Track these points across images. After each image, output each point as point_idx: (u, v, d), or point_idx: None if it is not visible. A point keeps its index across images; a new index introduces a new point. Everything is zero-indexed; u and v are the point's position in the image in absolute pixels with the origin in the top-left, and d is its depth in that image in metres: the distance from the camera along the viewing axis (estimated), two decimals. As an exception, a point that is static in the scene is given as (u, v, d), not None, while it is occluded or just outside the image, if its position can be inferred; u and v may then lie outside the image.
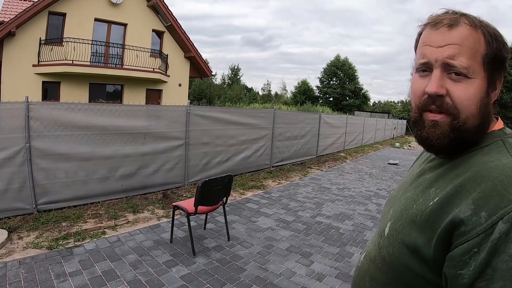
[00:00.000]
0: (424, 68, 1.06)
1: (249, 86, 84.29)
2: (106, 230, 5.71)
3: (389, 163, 16.93)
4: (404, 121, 46.33)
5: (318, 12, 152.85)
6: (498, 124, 1.09)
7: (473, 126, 1.01)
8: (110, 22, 18.24)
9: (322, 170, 13.13)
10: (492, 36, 0.99)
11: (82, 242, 5.16)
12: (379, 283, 1.17)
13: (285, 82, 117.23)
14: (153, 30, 20.29)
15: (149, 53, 19.11)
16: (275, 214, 7.27)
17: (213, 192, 5.16)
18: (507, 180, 0.87)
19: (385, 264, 1.14)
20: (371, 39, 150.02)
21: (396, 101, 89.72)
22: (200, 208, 5.02)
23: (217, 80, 76.63)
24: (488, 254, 0.82)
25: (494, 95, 1.04)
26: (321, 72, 68.19)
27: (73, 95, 15.69)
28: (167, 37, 20.99)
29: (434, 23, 1.05)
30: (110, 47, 17.98)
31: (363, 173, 13.35)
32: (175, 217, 5.71)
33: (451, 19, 1.02)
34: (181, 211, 5.40)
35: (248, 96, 73.51)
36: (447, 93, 1.01)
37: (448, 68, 1.00)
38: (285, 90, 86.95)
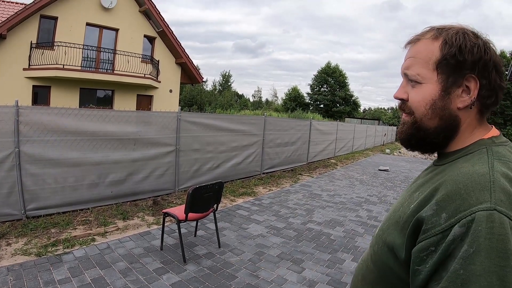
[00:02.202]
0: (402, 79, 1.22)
1: (240, 93, 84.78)
2: (95, 237, 5.67)
3: (379, 169, 16.97)
4: (394, 128, 46.52)
5: (310, 19, 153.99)
6: (491, 132, 1.12)
7: (429, 126, 1.12)
8: (101, 27, 18.23)
9: (312, 177, 13.15)
10: (448, 43, 1.07)
11: (71, 249, 5.12)
12: (368, 282, 1.23)
13: (275, 89, 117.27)
14: (145, 36, 20.31)
15: (140, 59, 19.14)
16: (266, 221, 7.26)
17: (204, 199, 5.14)
18: (471, 185, 0.91)
19: (372, 263, 1.21)
20: (362, 46, 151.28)
21: (386, 108, 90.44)
22: (190, 215, 5.00)
23: (208, 87, 76.88)
24: (442, 254, 0.88)
25: (464, 100, 1.08)
26: (312, 79, 68.72)
27: (64, 99, 15.61)
28: (158, 42, 21.01)
29: (407, 43, 1.21)
30: (101, 52, 17.93)
31: (354, 180, 13.38)
32: (165, 224, 5.68)
33: (416, 37, 1.17)
34: (172, 218, 5.36)
35: (239, 102, 73.68)
36: (408, 97, 1.17)
37: (407, 77, 1.16)
38: (276, 96, 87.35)
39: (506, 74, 17.36)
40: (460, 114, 1.09)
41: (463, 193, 0.91)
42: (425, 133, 1.14)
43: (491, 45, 1.08)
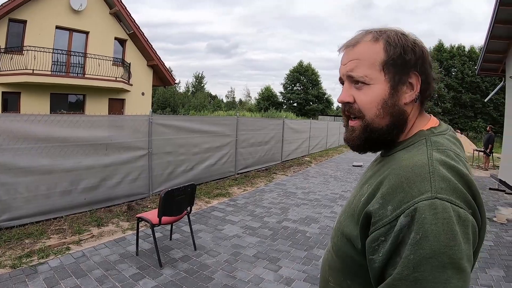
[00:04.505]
0: (341, 82, 1.27)
1: (214, 94, 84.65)
2: (70, 245, 5.61)
3: (353, 165, 17.17)
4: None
5: (283, 19, 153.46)
6: (431, 123, 1.22)
7: (381, 125, 1.17)
8: (71, 30, 17.98)
9: (287, 175, 13.23)
10: (391, 44, 1.14)
11: (46, 259, 5.06)
12: (335, 270, 1.27)
13: (249, 88, 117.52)
14: (116, 38, 20.14)
15: (111, 62, 18.94)
16: (241, 221, 7.30)
17: (177, 202, 5.15)
18: (412, 177, 0.99)
19: (335, 254, 1.26)
20: (335, 45, 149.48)
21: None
22: (164, 218, 5.01)
23: (181, 88, 76.47)
24: (393, 243, 0.95)
25: (410, 95, 1.16)
26: (285, 78, 68.75)
27: (34, 106, 15.27)
28: (129, 45, 20.87)
29: (344, 46, 1.25)
30: (72, 56, 17.68)
31: (328, 176, 13.54)
32: (140, 229, 5.66)
33: (354, 40, 1.21)
34: (146, 223, 5.35)
35: (212, 103, 73.51)
36: (354, 100, 1.20)
37: (351, 79, 1.19)
38: (249, 96, 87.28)
39: (475, 68, 17.65)
40: (406, 108, 1.17)
41: (405, 186, 0.98)
42: (378, 133, 1.18)
43: (421, 43, 1.17)
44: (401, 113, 1.16)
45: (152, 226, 4.98)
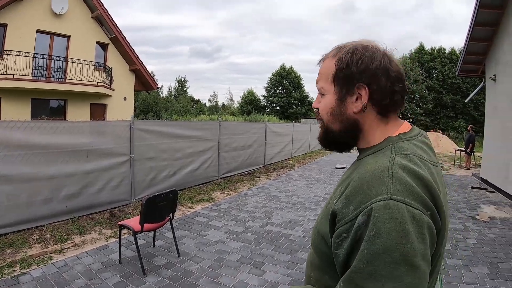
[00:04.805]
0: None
1: (196, 98, 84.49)
2: (52, 254, 5.53)
3: (336, 167, 17.26)
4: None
5: (266, 23, 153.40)
6: (402, 128, 1.29)
7: (334, 129, 1.32)
8: (52, 34, 17.80)
9: (270, 179, 13.26)
10: (340, 60, 1.27)
11: (28, 269, 4.98)
12: (315, 267, 1.34)
13: (231, 92, 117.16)
14: (97, 42, 20.02)
15: (93, 66, 18.78)
16: (224, 226, 7.28)
17: (159, 208, 5.12)
18: (372, 180, 1.06)
19: (314, 251, 1.33)
20: (317, 48, 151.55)
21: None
22: (146, 225, 4.98)
23: (164, 93, 76.26)
24: (353, 239, 1.03)
25: (357, 105, 1.25)
26: (267, 81, 69.04)
27: (15, 111, 15.04)
28: (111, 49, 20.75)
29: (319, 60, 1.40)
30: (53, 60, 17.50)
31: (311, 179, 13.58)
32: (123, 236, 5.65)
33: (324, 56, 1.37)
34: (129, 230, 5.30)
35: (195, 108, 73.38)
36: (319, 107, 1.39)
37: (318, 90, 1.39)
38: (232, 100, 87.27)
39: (456, 70, 17.93)
40: (358, 117, 1.27)
41: (365, 188, 1.06)
42: (333, 135, 1.34)
43: (382, 56, 1.23)
44: (351, 121, 1.28)
45: (134, 233, 4.94)
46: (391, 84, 1.22)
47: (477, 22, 12.30)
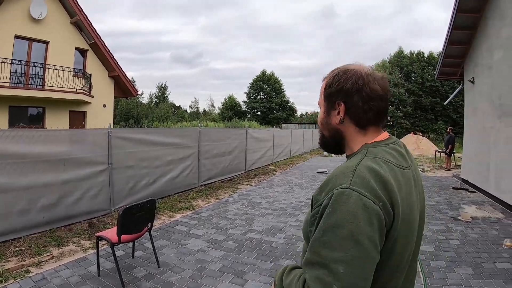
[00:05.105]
0: None
1: (177, 104, 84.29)
2: (29, 268, 5.36)
3: (318, 172, 17.27)
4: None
5: (247, 28, 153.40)
6: (379, 137, 1.51)
7: (326, 135, 1.62)
8: (31, 40, 17.48)
9: (251, 185, 13.19)
10: (326, 81, 1.58)
11: (5, 284, 4.82)
12: (303, 252, 1.53)
13: (212, 98, 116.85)
14: (76, 48, 19.76)
15: (71, 73, 18.50)
16: (205, 234, 7.17)
17: (136, 218, 4.99)
18: (340, 175, 1.33)
19: (304, 238, 1.57)
20: (298, 53, 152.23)
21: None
22: (124, 237, 4.85)
23: (144, 99, 75.92)
24: (319, 217, 1.29)
25: (336, 118, 1.53)
26: (248, 87, 69.20)
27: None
28: (90, 55, 20.51)
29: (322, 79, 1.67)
30: (31, 67, 17.15)
31: (293, 184, 13.54)
32: (102, 247, 5.52)
33: (323, 77, 1.65)
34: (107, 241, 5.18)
35: (176, 114, 73.14)
36: None
37: None
38: (213, 106, 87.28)
39: (435, 73, 18.31)
40: (340, 127, 1.55)
41: (334, 180, 1.33)
42: (325, 140, 1.65)
43: (357, 78, 1.46)
44: (334, 130, 1.57)
45: (112, 245, 4.82)
46: (362, 102, 1.44)
47: (455, 26, 12.60)
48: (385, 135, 1.52)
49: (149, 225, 5.42)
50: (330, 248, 1.19)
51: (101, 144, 8.17)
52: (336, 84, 1.49)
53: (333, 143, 1.62)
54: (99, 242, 5.27)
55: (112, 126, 8.31)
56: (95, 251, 5.72)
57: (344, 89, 1.47)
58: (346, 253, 1.16)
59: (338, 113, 1.51)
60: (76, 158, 7.59)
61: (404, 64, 55.46)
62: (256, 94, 68.69)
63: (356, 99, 1.45)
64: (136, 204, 4.98)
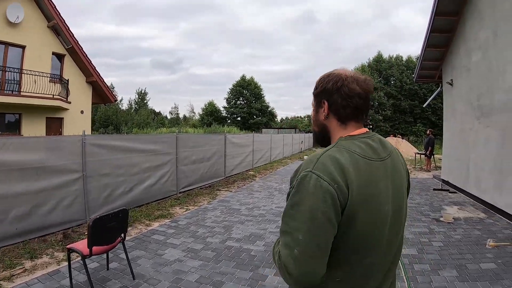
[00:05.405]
0: None
1: (158, 110, 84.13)
2: (1, 282, 5.15)
3: (298, 177, 17.16)
4: (311, 135, 47.76)
5: (227, 33, 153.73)
6: (354, 132, 1.70)
7: (316, 130, 1.87)
8: (6, 44, 17.12)
9: (231, 191, 13.06)
10: (315, 84, 1.83)
11: (-27, 300, 4.64)
12: None
13: (192, 104, 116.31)
14: (53, 53, 19.42)
15: (48, 78, 18.18)
16: (182, 243, 7.00)
17: (108, 229, 4.80)
18: (308, 161, 1.56)
19: None
20: (278, 58, 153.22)
21: (303, 116, 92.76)
22: (95, 248, 4.65)
23: (124, 105, 75.44)
24: (289, 195, 1.55)
25: (322, 114, 1.78)
26: (228, 92, 69.49)
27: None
28: (68, 60, 20.22)
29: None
30: (7, 72, 16.79)
31: (273, 190, 13.49)
32: (76, 260, 5.33)
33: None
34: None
35: (156, 120, 72.82)
36: None
37: None
38: (193, 112, 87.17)
39: (413, 76, 18.62)
40: (325, 122, 1.79)
41: (304, 165, 1.57)
42: (317, 134, 1.88)
43: (337, 80, 1.69)
44: (322, 125, 1.81)
45: (83, 257, 4.63)
46: (341, 99, 1.68)
47: (433, 29, 12.86)
48: (362, 130, 1.71)
49: (122, 235, 5.24)
50: (294, 220, 1.47)
51: (75, 152, 7.95)
52: (320, 85, 1.76)
53: (321, 137, 1.85)
54: (71, 255, 5.06)
55: (90, 133, 8.12)
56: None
57: (326, 89, 1.72)
58: (304, 224, 1.43)
59: (324, 110, 1.75)
60: (50, 166, 7.37)
61: (383, 68, 56.26)
62: (236, 99, 68.89)
63: (336, 97, 1.69)
64: (107, 215, 4.80)
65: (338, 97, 1.68)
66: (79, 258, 5.87)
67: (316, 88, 1.81)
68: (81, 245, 4.84)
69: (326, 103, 1.73)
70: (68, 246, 4.99)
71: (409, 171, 16.77)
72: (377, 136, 1.73)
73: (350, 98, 1.66)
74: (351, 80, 1.67)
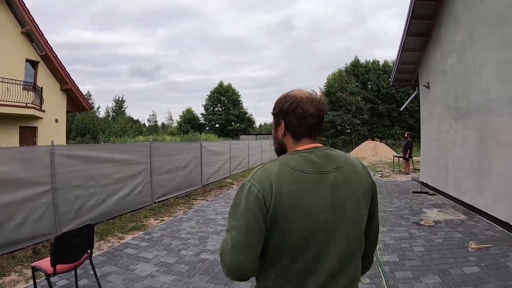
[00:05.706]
0: None
1: (136, 118, 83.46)
2: (-36, 302, 4.93)
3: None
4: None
5: (206, 40, 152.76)
6: (301, 147, 1.86)
7: (276, 145, 2.05)
8: (-22, 50, 16.63)
9: (207, 200, 12.90)
10: (274, 105, 1.98)
11: None
12: None
13: (171, 111, 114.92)
14: (27, 60, 19.06)
15: (22, 86, 17.83)
16: (155, 257, 6.79)
17: (72, 246, 4.57)
18: (252, 171, 1.79)
19: None
20: (256, 64, 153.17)
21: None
22: (60, 267, 4.41)
23: (101, 113, 74.74)
24: None
25: (280, 132, 1.94)
26: (205, 99, 69.43)
27: None
28: (42, 67, 19.89)
29: None
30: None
31: (250, 198, 13.19)
32: (43, 277, 5.10)
33: None
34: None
35: (133, 128, 72.22)
36: None
37: None
38: (172, 119, 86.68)
39: (390, 80, 18.88)
40: (282, 139, 1.95)
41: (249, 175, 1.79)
42: (276, 150, 2.05)
43: (293, 101, 1.85)
44: (280, 141, 1.97)
45: (47, 276, 4.40)
46: (296, 119, 1.83)
47: (409, 33, 13.18)
48: (309, 146, 1.87)
49: (89, 251, 5.01)
50: (232, 219, 1.69)
51: (44, 163, 7.70)
52: (278, 106, 1.92)
53: (279, 152, 2.00)
54: (36, 273, 4.83)
55: (66, 142, 7.90)
56: (38, 280, 5.31)
57: (282, 109, 1.88)
58: (237, 223, 1.65)
59: (281, 128, 1.91)
60: (16, 178, 7.10)
61: (360, 72, 56.89)
62: (214, 106, 68.78)
63: (291, 117, 1.84)
64: (71, 231, 4.57)
65: (293, 117, 1.84)
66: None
67: (274, 108, 1.97)
68: (46, 262, 4.60)
69: (283, 123, 1.90)
70: (32, 264, 4.75)
71: (388, 175, 16.83)
72: (324, 151, 1.84)
73: (304, 118, 1.83)
74: (305, 101, 1.84)
